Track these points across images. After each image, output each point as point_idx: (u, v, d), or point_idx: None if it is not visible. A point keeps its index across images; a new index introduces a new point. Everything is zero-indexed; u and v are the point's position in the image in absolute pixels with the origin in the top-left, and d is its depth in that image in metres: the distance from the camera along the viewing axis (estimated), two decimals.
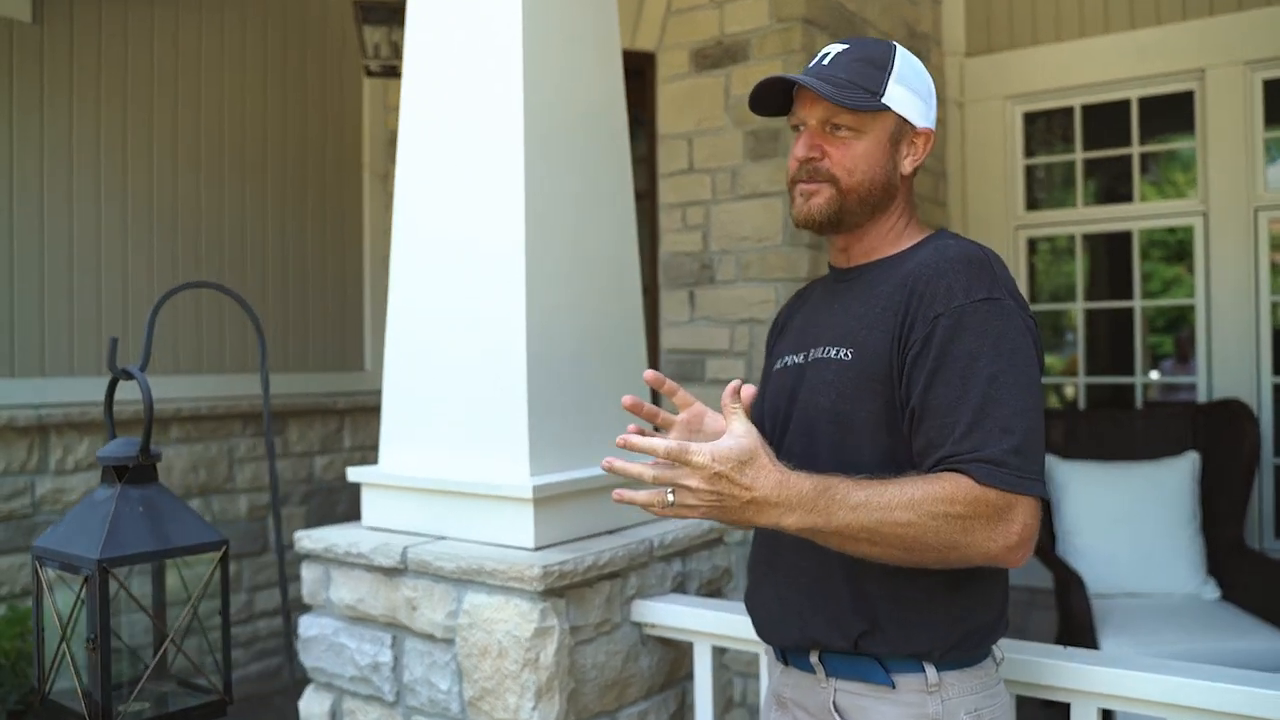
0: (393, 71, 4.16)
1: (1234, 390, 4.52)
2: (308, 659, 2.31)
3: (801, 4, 4.02)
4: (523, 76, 2.15)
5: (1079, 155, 5.04)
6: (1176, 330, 5.84)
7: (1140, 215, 4.96)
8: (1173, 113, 4.82)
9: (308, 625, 2.30)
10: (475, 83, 2.23)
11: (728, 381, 4.11)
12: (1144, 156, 4.98)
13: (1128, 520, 4.05)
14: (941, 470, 1.33)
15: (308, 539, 2.30)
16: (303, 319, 4.82)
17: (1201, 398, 4.66)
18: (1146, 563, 4.00)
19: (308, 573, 2.32)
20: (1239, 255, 4.57)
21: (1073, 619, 3.64)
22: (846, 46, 1.55)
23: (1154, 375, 5.30)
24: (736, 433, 1.30)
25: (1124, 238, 5.07)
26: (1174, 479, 4.11)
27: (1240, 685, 1.55)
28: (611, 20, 2.47)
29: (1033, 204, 5.25)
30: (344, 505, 4.94)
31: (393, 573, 2.16)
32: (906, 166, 1.55)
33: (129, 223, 4.17)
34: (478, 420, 2.19)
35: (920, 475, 1.34)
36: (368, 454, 5.09)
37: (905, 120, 1.53)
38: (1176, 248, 6.25)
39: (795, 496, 1.30)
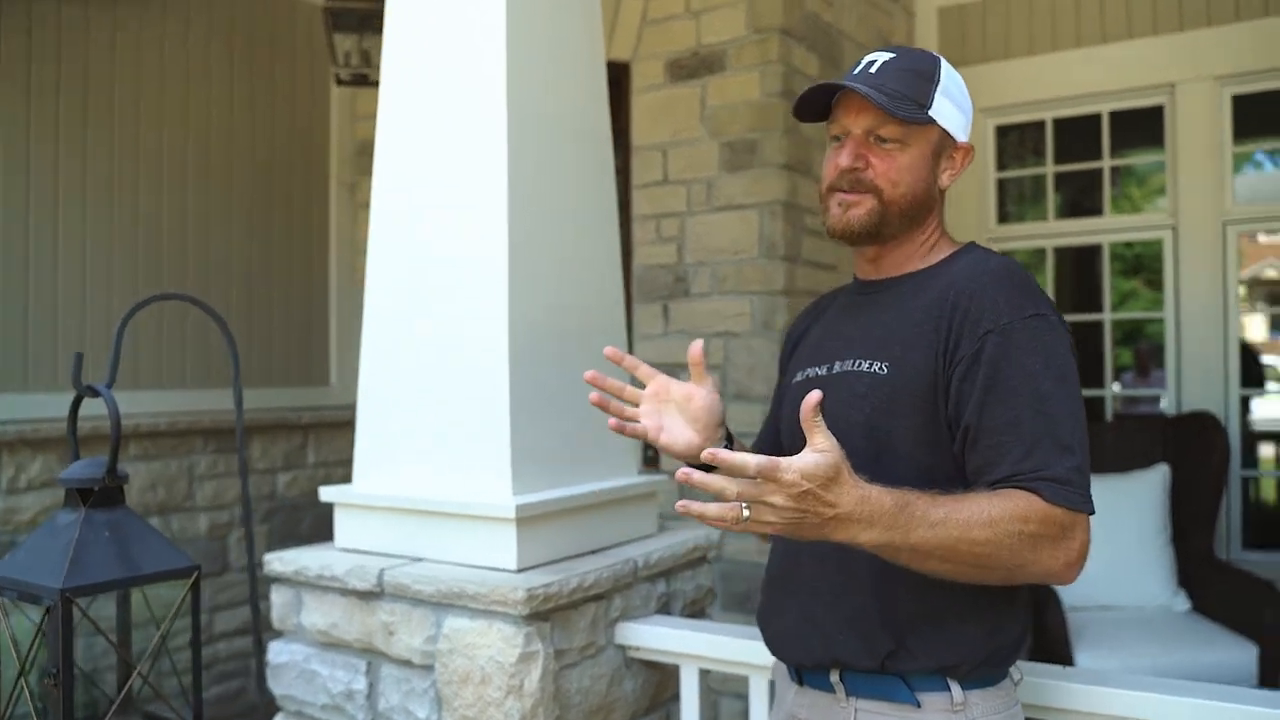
0: (363, 80, 4.08)
1: (1203, 403, 4.54)
2: (277, 686, 2.22)
3: (779, 15, 4.00)
4: (506, 84, 2.09)
5: (1050, 169, 5.06)
6: (1134, 343, 5.88)
7: (1110, 229, 4.98)
8: (1143, 127, 4.84)
9: (277, 651, 2.21)
10: (457, 91, 2.17)
11: None
12: (1114, 170, 5.00)
13: (1100, 532, 3.98)
14: (1011, 489, 1.31)
15: (278, 561, 2.22)
16: (266, 332, 4.71)
17: (1170, 410, 4.67)
18: (1119, 575, 3.99)
19: (277, 596, 2.23)
20: (1208, 268, 4.60)
21: (1048, 633, 3.62)
22: (893, 55, 1.52)
23: (1115, 388, 5.31)
24: (821, 447, 1.20)
25: (1090, 251, 5.09)
26: (1145, 491, 4.11)
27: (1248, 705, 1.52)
28: (595, 26, 2.42)
29: (1003, 217, 5.26)
30: (308, 523, 4.82)
31: (368, 596, 2.08)
32: (945, 181, 1.54)
33: (88, 233, 4.05)
34: (457, 438, 2.12)
35: (992, 492, 1.31)
36: (332, 470, 4.99)
37: (947, 134, 1.52)
38: (1133, 261, 6.32)
39: (876, 513, 1.23)
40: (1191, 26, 4.61)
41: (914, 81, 1.48)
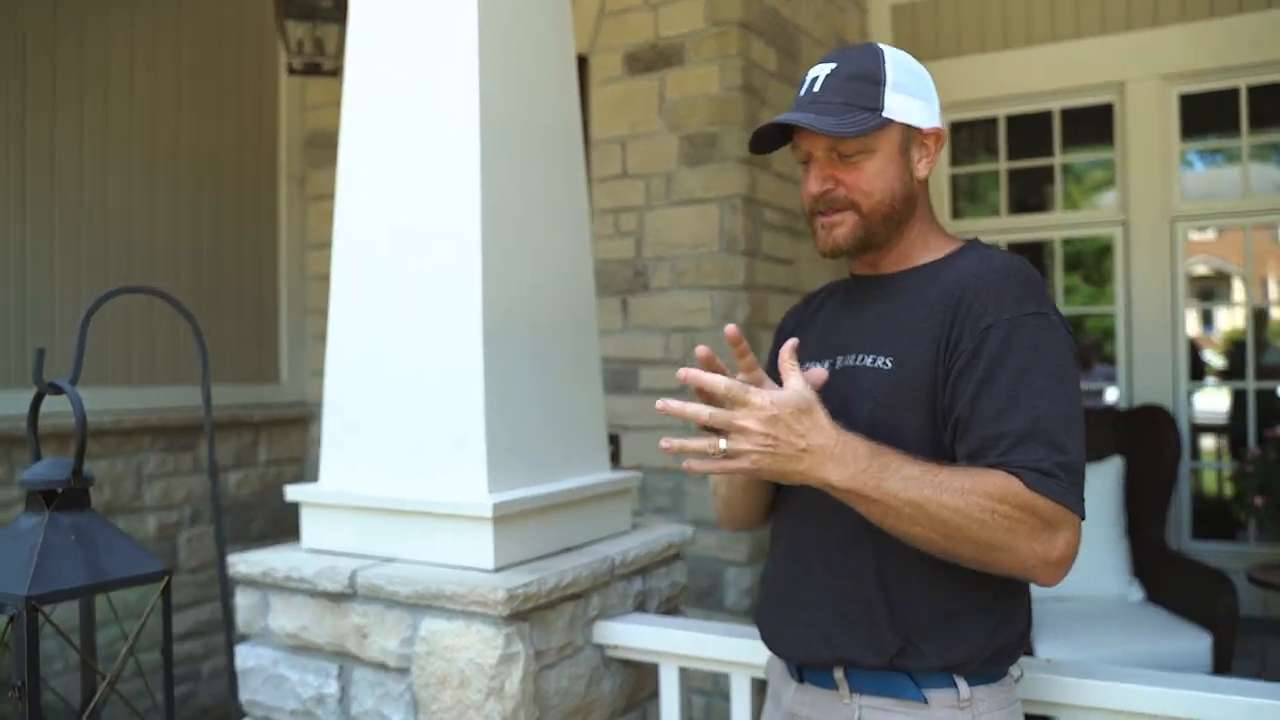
0: (316, 69, 3.99)
1: (1152, 396, 4.62)
2: (244, 691, 2.15)
3: (738, 9, 3.98)
4: (479, 77, 2.04)
5: (1003, 165, 5.11)
6: (1077, 338, 5.98)
7: (1062, 224, 5.05)
8: (1094, 125, 4.91)
9: (244, 656, 2.14)
10: (427, 82, 2.12)
11: (662, 392, 4.07)
12: (1065, 166, 5.07)
13: None
14: (996, 471, 1.29)
15: (243, 563, 2.15)
16: (215, 328, 4.58)
17: (1121, 404, 4.75)
18: (1075, 567, 4.00)
19: (243, 599, 2.16)
20: (1157, 264, 4.68)
21: None
22: (834, 66, 1.48)
23: None
24: (794, 387, 1.29)
25: (1036, 247, 5.15)
26: (1100, 484, 4.17)
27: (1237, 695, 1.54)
28: (565, 19, 2.37)
29: (956, 213, 5.31)
30: (259, 523, 4.72)
31: (340, 598, 2.02)
32: (922, 170, 1.51)
33: (27, 224, 3.91)
34: (430, 435, 2.07)
35: (974, 467, 1.30)
36: (284, 469, 4.88)
37: (911, 126, 1.48)
38: (1073, 257, 6.44)
39: (850, 452, 1.27)
40: (1139, 27, 4.68)
41: (859, 88, 1.45)
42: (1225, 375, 5.79)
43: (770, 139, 1.53)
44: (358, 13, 2.24)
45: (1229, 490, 4.53)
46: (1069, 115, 4.97)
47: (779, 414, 1.25)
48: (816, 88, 1.48)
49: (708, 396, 1.34)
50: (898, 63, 1.49)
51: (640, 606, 2.24)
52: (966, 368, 1.35)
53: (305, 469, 5.01)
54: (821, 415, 1.28)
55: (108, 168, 4.17)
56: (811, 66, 1.53)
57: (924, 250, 1.53)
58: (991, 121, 5.13)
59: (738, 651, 1.96)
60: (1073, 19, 4.82)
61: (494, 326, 2.04)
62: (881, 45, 1.51)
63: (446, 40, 2.08)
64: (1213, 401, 5.56)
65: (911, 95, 1.48)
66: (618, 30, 4.25)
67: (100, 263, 4.13)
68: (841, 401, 1.44)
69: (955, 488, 1.26)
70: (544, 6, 2.29)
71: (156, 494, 4.26)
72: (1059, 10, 4.85)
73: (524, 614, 1.88)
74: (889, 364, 1.43)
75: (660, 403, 1.27)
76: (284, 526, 4.83)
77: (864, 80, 1.46)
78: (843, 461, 1.27)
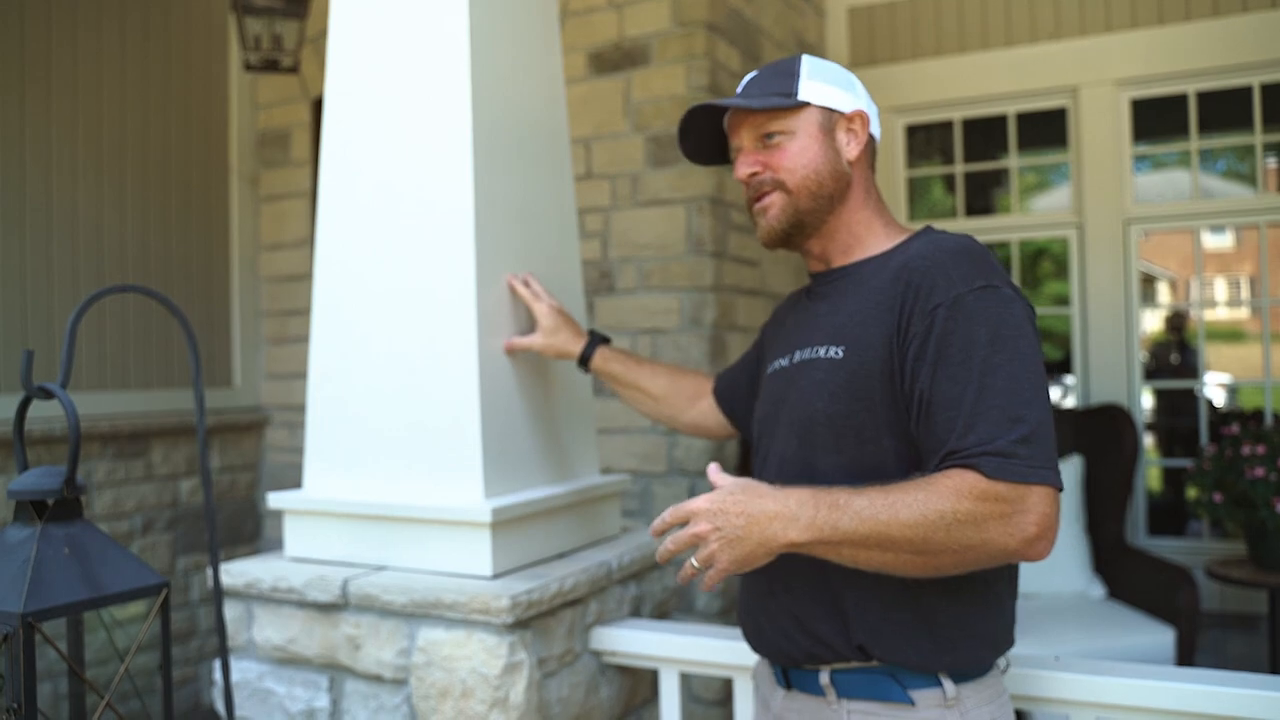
0: (274, 66, 3.89)
1: (1108, 395, 4.71)
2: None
3: (704, 9, 3.97)
4: (470, 72, 1.99)
5: (959, 168, 5.17)
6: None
7: (1019, 226, 5.12)
8: (1048, 128, 4.99)
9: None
10: (418, 80, 2.06)
11: None
12: (1021, 169, 5.15)
13: None
14: (948, 467, 1.28)
15: (226, 573, 2.07)
16: (166, 331, 4.45)
17: (1080, 403, 4.83)
18: (1038, 564, 4.08)
19: (226, 611, 2.09)
20: (1112, 266, 4.76)
21: None
22: (756, 73, 1.59)
23: None
24: (724, 482, 1.38)
25: (991, 249, 5.21)
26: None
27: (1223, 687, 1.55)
28: (552, 17, 2.33)
29: (913, 215, 5.36)
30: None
31: (330, 609, 1.96)
32: (852, 151, 1.54)
33: None
34: (423, 440, 2.01)
35: (925, 476, 1.29)
36: (238, 476, 4.75)
37: (831, 110, 1.53)
38: (1021, 259, 6.55)
39: (796, 504, 1.30)
40: (1092, 32, 4.77)
41: (775, 80, 1.54)
42: (1153, 374, 5.94)
43: (707, 151, 1.66)
44: (340, 7, 2.17)
45: (1180, 487, 4.63)
46: (1024, 119, 5.04)
47: (717, 506, 1.32)
48: (739, 90, 1.59)
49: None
50: (815, 61, 1.57)
51: (635, 611, 2.20)
52: (921, 351, 1.35)
53: (260, 476, 4.89)
54: (760, 487, 1.34)
55: (51, 167, 4.02)
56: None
57: (874, 241, 1.55)
58: (947, 125, 5.18)
59: (739, 654, 1.93)
60: (1028, 24, 4.89)
61: (489, 328, 1.99)
62: (803, 54, 1.61)
63: (437, 37, 2.03)
64: (1151, 400, 5.70)
65: (827, 82, 1.54)
66: (582, 30, 4.22)
67: (44, 265, 3.98)
68: (800, 395, 1.47)
69: (909, 503, 1.25)
70: (531, 8, 2.24)
71: (106, 503, 4.12)
72: (1014, 15, 4.92)
73: (526, 621, 1.83)
74: (840, 353, 1.43)
75: (660, 552, 1.37)
76: (239, 535, 4.71)
77: (780, 74, 1.55)
78: (792, 518, 1.29)
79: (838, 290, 1.53)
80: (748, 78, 1.59)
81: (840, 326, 1.46)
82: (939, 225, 5.07)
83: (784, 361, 1.56)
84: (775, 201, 1.53)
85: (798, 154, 1.51)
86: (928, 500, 1.24)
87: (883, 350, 1.38)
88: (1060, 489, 1.28)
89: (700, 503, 1.33)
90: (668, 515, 1.36)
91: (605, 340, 2.06)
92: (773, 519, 1.29)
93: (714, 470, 1.41)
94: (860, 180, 1.55)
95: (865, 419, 1.39)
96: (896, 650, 1.39)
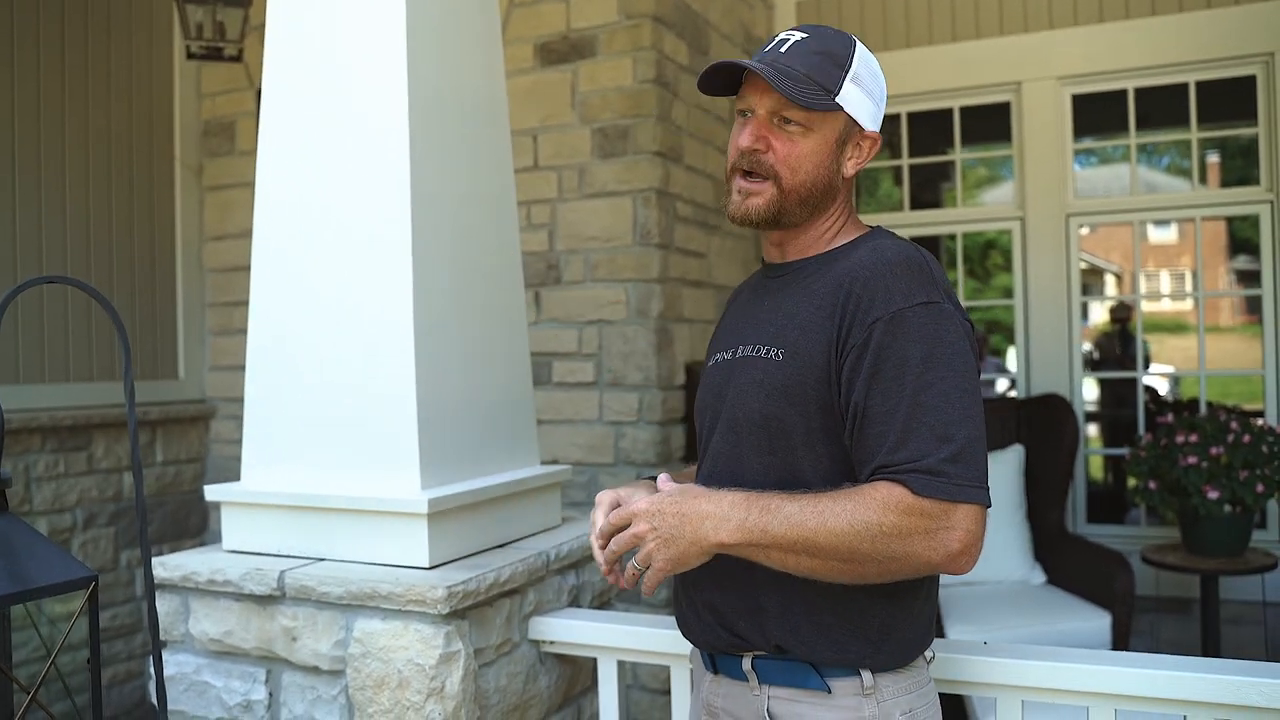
0: (217, 54, 3.85)
1: (1051, 386, 4.79)
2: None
3: (650, 2, 3.98)
4: (407, 63, 1.99)
5: (905, 161, 5.23)
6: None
7: (963, 219, 5.19)
8: (992, 122, 5.06)
9: (164, 663, 2.06)
10: (354, 64, 2.05)
11: (575, 384, 4.05)
12: (970, 163, 5.22)
13: None
14: (878, 480, 1.30)
15: (161, 567, 2.06)
16: (106, 323, 4.38)
17: (1022, 394, 4.91)
18: (982, 552, 4.17)
19: (162, 605, 2.07)
20: (1053, 259, 4.85)
21: None
22: (805, 35, 1.46)
23: None
24: (666, 488, 1.43)
25: (933, 242, 5.29)
26: (1003, 471, 4.30)
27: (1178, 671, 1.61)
28: (492, 6, 2.34)
29: (858, 208, 5.40)
30: (156, 525, 4.54)
31: (267, 601, 1.96)
32: (849, 169, 1.49)
33: None
34: (359, 431, 2.01)
35: (855, 486, 1.31)
36: (182, 469, 4.71)
37: (855, 122, 1.46)
38: (949, 253, 6.65)
39: (729, 506, 1.33)
40: (1036, 28, 4.84)
41: (823, 65, 1.43)
42: (1098, 365, 6.06)
43: (718, 83, 1.51)
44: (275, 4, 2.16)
45: (1123, 475, 4.73)
46: (968, 113, 5.11)
47: (655, 507, 1.37)
48: (784, 49, 1.44)
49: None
50: (864, 58, 1.47)
51: (574, 601, 2.22)
52: (857, 364, 1.34)
53: (206, 469, 4.84)
54: (697, 489, 1.39)
55: None
56: (722, 57, 1.53)
57: (829, 241, 1.52)
58: (894, 118, 5.23)
59: (676, 643, 1.95)
60: (972, 20, 4.96)
61: (425, 319, 2.00)
62: (854, 37, 1.50)
63: (373, 20, 2.03)
64: (1086, 391, 5.81)
65: (866, 93, 1.46)
66: (529, 21, 4.21)
67: None
68: (739, 393, 1.46)
69: (838, 512, 1.27)
70: None
71: (47, 497, 4.06)
72: (959, 11, 4.98)
73: (462, 612, 1.84)
74: (780, 355, 1.43)
75: (604, 573, 1.45)
76: (184, 529, 4.66)
77: (830, 59, 1.44)
78: (724, 519, 1.33)
79: (782, 288, 1.52)
80: (794, 36, 1.46)
81: (781, 328, 1.45)
82: (885, 218, 5.15)
83: (726, 355, 1.56)
84: (764, 192, 1.46)
85: (807, 155, 1.45)
86: (855, 511, 1.27)
87: (820, 359, 1.38)
88: (988, 505, 1.30)
89: (640, 504, 1.38)
90: (612, 518, 1.40)
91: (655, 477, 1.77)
92: (704, 519, 1.33)
93: (664, 480, 1.45)
94: (845, 193, 1.52)
95: (799, 424, 1.40)
96: (815, 650, 1.40)
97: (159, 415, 4.55)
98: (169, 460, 4.63)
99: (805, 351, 1.40)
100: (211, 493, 2.16)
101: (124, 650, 4.29)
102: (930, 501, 1.26)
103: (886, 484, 1.28)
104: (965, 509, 1.27)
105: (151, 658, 1.66)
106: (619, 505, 1.52)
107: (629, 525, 1.38)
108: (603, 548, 1.43)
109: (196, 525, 4.73)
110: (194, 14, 3.78)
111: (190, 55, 3.92)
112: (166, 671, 2.05)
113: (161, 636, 2.07)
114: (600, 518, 1.45)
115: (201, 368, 4.91)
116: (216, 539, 2.19)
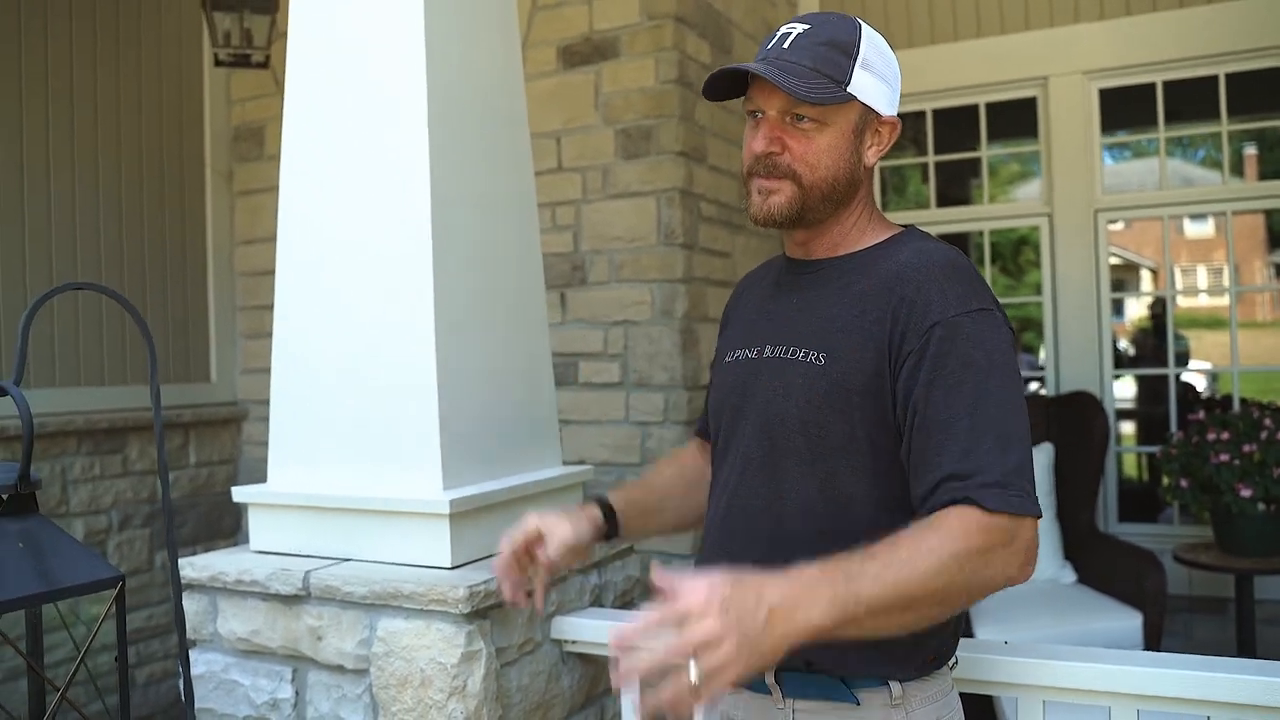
0: (245, 61, 3.90)
1: (1079, 383, 4.75)
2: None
3: (673, 2, 3.98)
4: (426, 68, 2.01)
5: (931, 158, 5.20)
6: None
7: (990, 216, 5.16)
8: (1019, 118, 5.02)
9: (193, 662, 2.09)
10: (374, 71, 2.08)
11: (601, 385, 4.07)
12: (999, 159, 5.19)
13: None
14: (942, 499, 1.25)
15: (190, 567, 2.09)
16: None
17: (1050, 391, 4.87)
18: None
19: (190, 604, 2.11)
20: (1082, 255, 4.81)
21: None
22: (808, 27, 1.41)
23: None
24: (699, 584, 1.10)
25: (961, 239, 5.26)
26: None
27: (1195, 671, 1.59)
28: (511, 6, 2.36)
29: (885, 206, 5.39)
30: (190, 527, 4.60)
31: (293, 600, 1.98)
32: (870, 158, 1.45)
33: None
34: (383, 432, 2.04)
35: (920, 523, 1.25)
36: (215, 470, 4.77)
37: (871, 109, 1.42)
38: (977, 250, 6.62)
39: (810, 580, 1.13)
40: (1061, 23, 4.81)
41: (829, 55, 1.37)
42: (1135, 361, 5.99)
43: (724, 87, 1.45)
44: (298, 9, 2.19)
45: (1157, 473, 4.68)
46: (994, 109, 5.08)
47: (723, 594, 1.07)
48: (786, 45, 1.40)
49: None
50: (872, 41, 1.42)
51: (596, 601, 2.23)
52: (915, 371, 1.31)
53: (238, 470, 4.90)
54: (751, 574, 1.12)
55: (23, 166, 4.02)
56: (746, 56, 1.48)
57: (860, 238, 1.48)
58: (920, 115, 5.21)
59: None
60: (997, 15, 4.93)
61: (446, 320, 2.02)
62: (859, 19, 1.45)
63: (392, 25, 2.05)
64: (1122, 388, 5.75)
65: (879, 78, 1.42)
66: (552, 24, 4.23)
67: (18, 264, 3.98)
68: (773, 395, 1.41)
69: (924, 552, 1.18)
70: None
71: (83, 498, 4.13)
72: (984, 6, 4.95)
73: (484, 611, 1.86)
74: (821, 359, 1.38)
75: (621, 676, 1.13)
76: (217, 529, 4.73)
77: (836, 49, 1.39)
78: (813, 599, 1.12)
79: (814, 286, 1.47)
80: (796, 29, 1.41)
81: (820, 330, 1.40)
82: (913, 215, 5.13)
83: (749, 353, 1.50)
84: (784, 190, 1.41)
85: (825, 150, 1.40)
86: (941, 545, 1.19)
87: (868, 365, 1.34)
88: (1040, 517, 1.27)
89: (699, 595, 1.06)
90: (651, 620, 1.09)
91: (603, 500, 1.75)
92: (794, 604, 1.10)
93: (661, 573, 1.13)
94: (866, 183, 1.48)
95: (841, 429, 1.35)
96: (845, 663, 1.37)
97: (191, 418, 4.62)
98: (202, 462, 4.69)
99: (848, 356, 1.36)
100: (239, 494, 2.19)
101: (160, 649, 4.36)
102: (1004, 517, 1.22)
103: (956, 510, 1.22)
104: (1028, 522, 1.24)
105: (185, 655, 1.69)
106: (540, 534, 1.54)
107: (681, 622, 1.06)
108: (514, 585, 1.44)
109: (230, 526, 4.79)
110: (222, 22, 3.84)
111: (219, 62, 3.97)
112: (195, 670, 2.09)
113: (190, 636, 2.11)
114: (509, 548, 1.45)
115: (233, 370, 4.97)
116: (248, 540, 2.22)
